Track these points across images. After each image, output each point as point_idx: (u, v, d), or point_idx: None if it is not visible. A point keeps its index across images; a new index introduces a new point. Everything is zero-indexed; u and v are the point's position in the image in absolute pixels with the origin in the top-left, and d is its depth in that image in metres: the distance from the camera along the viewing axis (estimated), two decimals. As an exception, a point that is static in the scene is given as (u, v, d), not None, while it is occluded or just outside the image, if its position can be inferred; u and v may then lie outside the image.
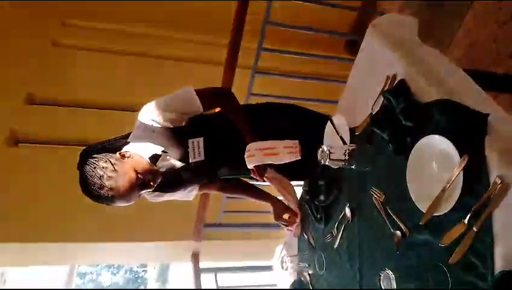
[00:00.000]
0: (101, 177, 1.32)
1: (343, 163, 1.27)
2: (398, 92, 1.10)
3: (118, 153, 1.40)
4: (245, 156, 1.44)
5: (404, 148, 1.07)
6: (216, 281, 3.17)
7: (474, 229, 0.87)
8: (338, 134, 1.41)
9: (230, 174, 1.75)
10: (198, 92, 1.51)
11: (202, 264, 3.23)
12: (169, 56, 3.67)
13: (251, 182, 1.88)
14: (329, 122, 1.48)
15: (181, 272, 11.43)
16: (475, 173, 0.89)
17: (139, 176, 1.37)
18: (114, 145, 1.46)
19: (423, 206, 1.00)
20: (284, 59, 2.94)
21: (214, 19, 3.25)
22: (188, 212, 3.08)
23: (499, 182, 0.83)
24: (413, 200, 1.03)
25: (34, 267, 7.67)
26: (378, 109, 1.20)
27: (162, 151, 1.47)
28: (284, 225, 1.76)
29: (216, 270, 3.25)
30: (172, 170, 1.53)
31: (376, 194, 1.19)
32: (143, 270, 15.59)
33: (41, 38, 3.46)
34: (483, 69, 2.00)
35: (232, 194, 1.88)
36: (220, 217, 3.11)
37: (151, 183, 1.41)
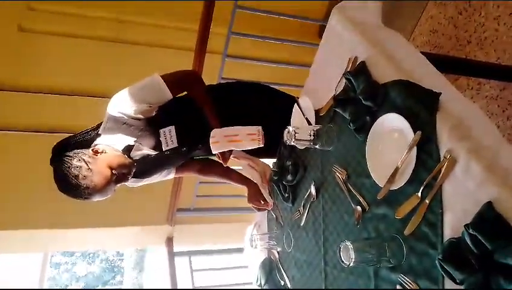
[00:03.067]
0: (76, 177, 1.33)
1: (308, 143, 1.32)
2: (358, 73, 1.14)
3: (90, 149, 1.40)
4: (210, 141, 1.46)
5: (364, 127, 1.12)
6: (190, 264, 3.21)
7: (427, 201, 0.93)
8: (304, 115, 1.45)
9: (206, 155, 1.78)
10: (165, 78, 1.50)
11: (176, 248, 3.25)
12: (139, 42, 3.61)
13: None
14: (295, 104, 1.52)
15: (157, 259, 11.41)
16: (427, 148, 0.94)
17: (114, 172, 1.39)
18: (85, 139, 1.45)
19: (381, 182, 1.05)
20: (256, 45, 2.95)
21: (184, 4, 3.22)
22: (161, 197, 3.09)
23: (448, 156, 0.88)
24: (372, 176, 1.09)
25: (3, 257, 7.50)
26: (340, 90, 1.24)
27: (135, 141, 1.48)
28: (255, 208, 1.80)
29: (190, 253, 3.28)
30: (147, 157, 1.55)
31: (338, 171, 1.24)
32: (119, 259, 15.47)
33: (7, 23, 3.35)
34: (444, 54, 2.08)
35: (210, 176, 1.88)
36: (193, 201, 3.13)
37: (127, 176, 1.44)
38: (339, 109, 1.21)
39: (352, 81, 1.15)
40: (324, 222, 1.33)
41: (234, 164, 1.77)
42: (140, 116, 1.46)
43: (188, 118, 1.58)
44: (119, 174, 1.40)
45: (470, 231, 0.77)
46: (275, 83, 2.52)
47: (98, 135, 1.45)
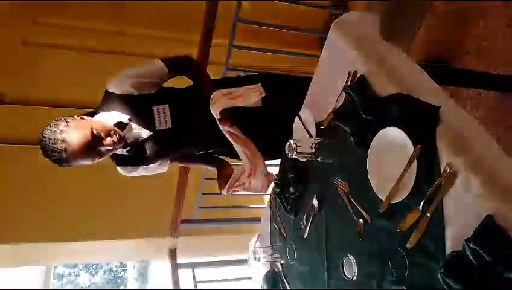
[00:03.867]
0: (54, 132, 1.34)
1: (309, 156, 1.33)
2: (358, 87, 1.16)
3: (76, 115, 1.44)
4: (210, 106, 1.45)
5: (365, 141, 1.13)
6: (194, 275, 3.20)
7: (428, 214, 0.93)
8: (305, 128, 1.46)
9: (203, 150, 1.77)
10: (164, 59, 1.57)
11: (180, 260, 3.25)
12: (142, 54, 3.65)
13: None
14: (296, 118, 1.53)
15: (161, 270, 11.37)
16: (428, 162, 0.95)
17: (95, 132, 1.38)
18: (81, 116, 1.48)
19: (382, 195, 1.06)
20: (256, 57, 2.97)
21: (185, 16, 3.26)
22: (164, 209, 3.09)
23: (448, 169, 0.89)
24: (374, 189, 1.10)
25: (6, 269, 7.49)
26: (341, 103, 1.26)
27: (128, 119, 1.48)
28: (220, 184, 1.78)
29: (193, 265, 3.28)
30: (140, 141, 1.55)
31: (340, 184, 1.25)
32: (122, 270, 15.42)
33: (11, 37, 3.40)
34: (443, 64, 2.10)
35: (188, 163, 1.94)
36: (196, 213, 3.13)
37: (112, 141, 1.41)
38: (339, 123, 1.22)
39: (352, 95, 1.17)
40: (327, 234, 1.34)
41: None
42: (135, 91, 1.49)
43: (183, 103, 1.58)
44: (100, 136, 1.38)
45: (471, 245, 0.78)
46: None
47: (94, 113, 1.49)
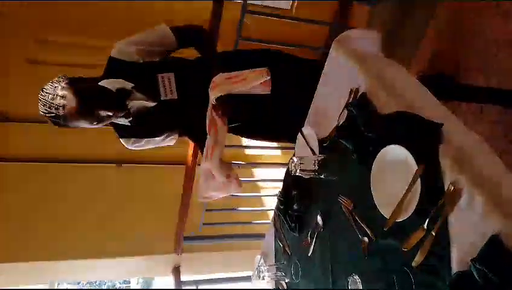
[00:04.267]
0: (55, 87, 1.31)
1: (313, 173, 1.33)
2: (360, 105, 1.16)
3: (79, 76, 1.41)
4: (209, 88, 1.39)
5: (368, 158, 1.13)
6: (198, 293, 3.18)
7: (433, 233, 0.92)
8: (308, 145, 1.46)
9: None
10: (173, 27, 1.51)
11: (183, 277, 3.23)
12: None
13: None
14: (299, 134, 1.53)
15: (165, 285, 11.27)
16: (431, 180, 0.95)
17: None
18: (85, 80, 1.44)
19: (386, 213, 1.05)
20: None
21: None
22: (168, 225, 3.08)
23: (452, 188, 0.89)
24: (378, 207, 1.09)
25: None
26: (343, 121, 1.26)
27: (132, 87, 1.43)
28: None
29: (197, 282, 3.25)
30: (144, 111, 1.49)
31: (344, 202, 1.25)
32: (126, 287, 15.28)
33: (15, 55, 3.44)
34: (445, 78, 2.10)
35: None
36: (200, 229, 3.12)
37: (114, 109, 1.38)
38: (342, 140, 1.23)
39: (355, 112, 1.17)
40: (331, 252, 1.33)
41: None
42: (140, 58, 1.44)
43: (190, 73, 1.53)
44: (102, 101, 1.36)
45: (477, 265, 0.77)
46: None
47: (98, 80, 1.45)
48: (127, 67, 1.45)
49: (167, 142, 1.70)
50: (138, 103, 1.46)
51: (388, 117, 1.09)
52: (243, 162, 3.11)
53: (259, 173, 3.46)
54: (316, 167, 1.31)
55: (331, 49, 1.37)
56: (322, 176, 1.32)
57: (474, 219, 0.83)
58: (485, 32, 1.96)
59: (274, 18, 2.59)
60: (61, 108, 1.31)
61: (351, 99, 1.25)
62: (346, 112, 1.25)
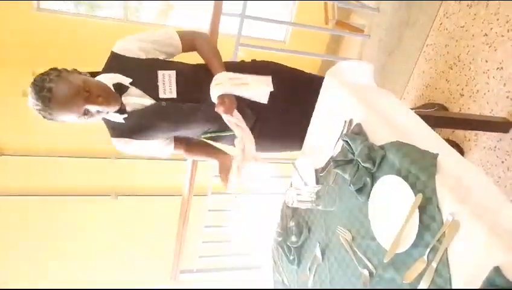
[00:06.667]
0: (43, 79, 1.27)
1: (310, 204, 1.32)
2: (355, 135, 1.17)
3: (73, 68, 1.36)
4: (211, 85, 1.36)
5: (365, 189, 1.13)
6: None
7: (434, 264, 0.91)
8: (304, 176, 1.46)
9: (202, 127, 1.59)
10: (182, 34, 1.50)
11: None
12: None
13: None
14: (296, 164, 1.53)
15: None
16: (429, 211, 0.94)
17: (85, 87, 1.29)
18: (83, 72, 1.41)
19: (386, 244, 1.04)
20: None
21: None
22: (163, 257, 3.03)
23: (451, 219, 0.88)
24: (377, 238, 1.08)
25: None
26: (338, 151, 1.26)
27: (130, 83, 1.39)
28: (223, 179, 1.65)
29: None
30: (140, 110, 1.43)
31: (342, 233, 1.23)
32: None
33: (12, 89, 3.47)
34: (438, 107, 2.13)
35: (194, 155, 1.75)
36: (197, 262, 3.06)
37: (102, 99, 1.31)
38: (338, 170, 1.22)
39: (350, 143, 1.17)
40: (331, 285, 1.30)
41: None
42: (143, 55, 1.41)
43: (191, 72, 1.49)
44: (92, 92, 1.30)
45: (480, 298, 0.76)
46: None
47: (98, 73, 1.42)
48: (128, 62, 1.41)
49: (163, 150, 1.62)
50: (134, 99, 1.41)
51: (383, 148, 1.09)
52: (241, 192, 3.09)
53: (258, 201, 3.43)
54: (313, 198, 1.30)
55: (324, 80, 1.39)
56: (320, 207, 1.30)
57: (475, 250, 0.82)
58: (475, 61, 2.00)
59: (267, 51, 2.64)
60: (46, 100, 1.26)
61: (345, 129, 1.25)
62: (341, 142, 1.25)
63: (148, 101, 1.42)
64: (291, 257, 1.53)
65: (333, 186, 1.29)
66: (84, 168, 3.60)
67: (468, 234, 0.84)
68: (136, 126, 1.45)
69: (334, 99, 1.35)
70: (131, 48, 1.42)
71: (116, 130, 1.50)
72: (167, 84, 1.41)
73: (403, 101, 2.42)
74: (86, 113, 1.33)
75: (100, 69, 1.48)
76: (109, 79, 1.39)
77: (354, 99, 1.25)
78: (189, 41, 1.53)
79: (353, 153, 1.16)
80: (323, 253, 1.36)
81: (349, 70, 1.42)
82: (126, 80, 1.39)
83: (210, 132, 1.60)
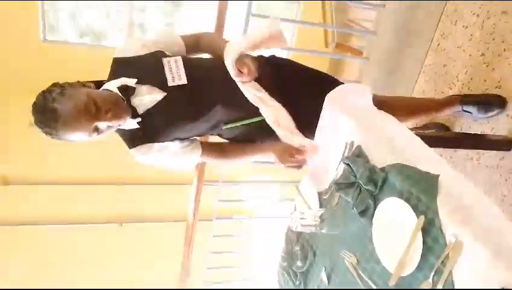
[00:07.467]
0: (46, 99, 1.18)
1: (314, 228, 1.31)
2: (356, 158, 1.18)
3: (77, 81, 1.28)
4: (224, 54, 1.28)
5: (368, 211, 1.13)
6: None
7: (439, 286, 0.90)
8: (308, 198, 1.46)
9: (222, 115, 1.45)
10: (186, 38, 1.45)
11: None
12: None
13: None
14: (299, 187, 1.54)
15: None
16: (432, 233, 0.94)
17: (92, 103, 1.20)
18: (87, 83, 1.33)
19: (391, 267, 1.03)
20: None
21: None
22: (169, 284, 3.00)
23: (454, 240, 0.88)
24: (381, 261, 1.07)
25: None
26: (340, 173, 1.27)
27: (136, 83, 1.31)
28: (294, 166, 1.49)
29: None
30: (153, 108, 1.33)
31: (348, 256, 1.22)
32: None
33: (19, 118, 3.52)
34: (439, 125, 2.14)
35: (233, 157, 1.55)
36: (205, 274, 3.03)
37: (111, 114, 1.23)
38: (340, 193, 1.23)
39: (351, 165, 1.18)
40: (338, 310, 1.28)
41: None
42: (145, 50, 1.35)
43: (201, 60, 1.44)
44: (100, 107, 1.21)
45: (487, 321, 0.75)
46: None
47: (102, 83, 1.35)
48: (130, 62, 1.34)
49: (188, 155, 1.46)
50: (144, 98, 1.31)
51: (385, 170, 1.10)
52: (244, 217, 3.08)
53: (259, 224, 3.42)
54: (317, 222, 1.30)
55: (324, 104, 1.41)
56: (324, 231, 1.30)
57: (480, 271, 0.82)
58: (473, 82, 2.02)
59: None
60: (52, 122, 1.18)
61: (346, 152, 1.26)
62: (342, 165, 1.26)
63: (158, 96, 1.32)
64: (297, 282, 1.52)
65: (337, 210, 1.30)
66: (88, 197, 3.62)
67: (471, 255, 0.84)
68: (152, 127, 1.35)
69: (334, 123, 1.36)
70: (131, 47, 1.36)
71: (133, 139, 1.39)
72: (175, 71, 1.32)
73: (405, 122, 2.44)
74: (96, 130, 1.25)
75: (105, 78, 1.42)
76: (114, 84, 1.31)
77: (353, 122, 1.27)
78: (193, 39, 1.46)
79: (355, 176, 1.17)
80: (329, 277, 1.35)
81: (348, 93, 1.44)
82: (131, 81, 1.30)
83: (233, 121, 1.45)
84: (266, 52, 1.51)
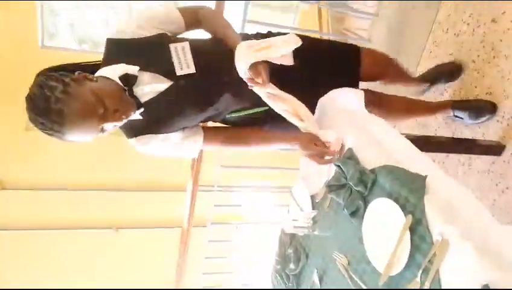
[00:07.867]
0: (47, 99, 1.05)
1: (307, 229, 1.33)
2: (347, 160, 1.20)
3: (77, 72, 1.14)
4: (235, 59, 1.17)
5: (359, 212, 1.15)
6: None
7: (427, 284, 0.92)
8: (301, 202, 1.48)
9: (230, 105, 1.39)
10: (184, 11, 1.31)
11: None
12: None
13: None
14: (293, 191, 1.56)
15: None
16: (420, 232, 0.96)
17: (100, 102, 1.10)
18: (81, 66, 1.22)
19: (381, 267, 1.05)
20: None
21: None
22: (165, 276, 2.99)
23: (440, 239, 0.90)
24: (371, 262, 1.09)
25: None
26: (332, 175, 1.29)
27: (139, 70, 1.19)
28: (316, 155, 1.38)
29: None
30: (157, 97, 1.23)
31: (339, 258, 1.24)
32: None
33: (15, 123, 3.53)
34: (431, 134, 2.17)
35: (238, 144, 1.44)
36: (201, 280, 3.02)
37: (121, 114, 1.14)
38: (332, 195, 1.25)
39: (342, 168, 1.20)
40: (329, 311, 1.30)
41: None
42: (144, 32, 1.22)
43: (208, 46, 1.31)
44: (108, 107, 1.11)
45: (470, 317, 0.77)
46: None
47: (98, 66, 1.22)
48: (129, 45, 1.21)
49: (190, 147, 1.38)
50: (147, 88, 1.22)
51: (374, 171, 1.12)
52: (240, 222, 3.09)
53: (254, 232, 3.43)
54: (310, 224, 1.32)
55: (316, 108, 1.43)
56: (316, 232, 1.32)
57: (465, 269, 0.84)
58: (465, 87, 2.05)
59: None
60: (57, 125, 1.08)
61: (338, 154, 1.29)
62: (334, 167, 1.29)
63: (163, 85, 1.23)
64: (290, 285, 1.53)
65: (329, 211, 1.32)
66: (84, 202, 3.62)
67: (457, 254, 0.86)
68: (156, 117, 1.26)
69: (326, 126, 1.39)
70: (127, 29, 1.22)
71: (134, 129, 1.29)
72: (182, 59, 1.23)
73: (397, 127, 2.46)
74: (102, 130, 1.17)
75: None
76: (113, 72, 1.19)
77: (345, 125, 1.29)
78: (192, 14, 1.34)
79: (346, 178, 1.19)
80: (321, 279, 1.36)
81: (340, 97, 1.46)
82: (133, 69, 1.19)
83: (240, 110, 1.39)
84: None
